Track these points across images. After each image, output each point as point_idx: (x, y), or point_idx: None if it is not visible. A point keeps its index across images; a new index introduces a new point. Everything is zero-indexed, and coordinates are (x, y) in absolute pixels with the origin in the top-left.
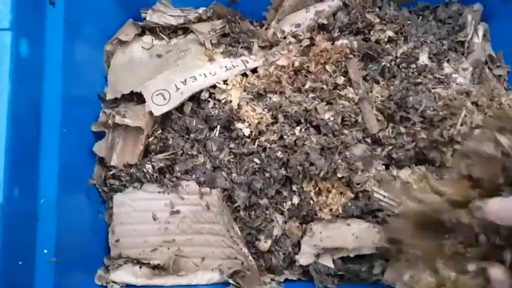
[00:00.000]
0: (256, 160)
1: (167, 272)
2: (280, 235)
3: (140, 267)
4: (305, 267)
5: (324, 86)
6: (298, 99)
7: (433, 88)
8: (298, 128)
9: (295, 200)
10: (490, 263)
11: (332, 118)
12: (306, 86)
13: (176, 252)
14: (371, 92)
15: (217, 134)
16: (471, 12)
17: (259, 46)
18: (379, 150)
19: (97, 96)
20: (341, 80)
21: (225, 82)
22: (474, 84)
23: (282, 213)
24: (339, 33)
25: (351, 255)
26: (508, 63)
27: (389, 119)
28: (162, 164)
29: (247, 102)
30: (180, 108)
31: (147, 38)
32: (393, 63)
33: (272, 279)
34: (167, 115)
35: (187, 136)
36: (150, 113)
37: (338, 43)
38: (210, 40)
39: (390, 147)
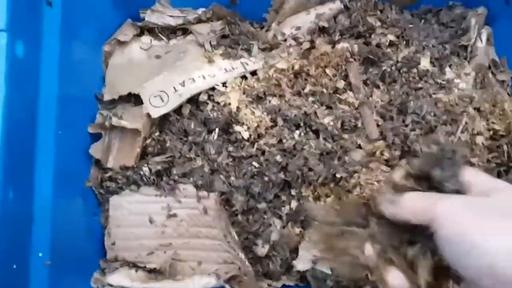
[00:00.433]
0: (254, 163)
1: (164, 276)
2: (278, 240)
3: (136, 270)
4: (303, 272)
5: (324, 90)
6: (297, 103)
7: (434, 94)
8: (297, 132)
9: (294, 204)
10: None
11: (331, 123)
12: (306, 90)
13: (172, 256)
14: (371, 96)
15: (215, 137)
16: (474, 16)
17: (259, 48)
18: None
19: (94, 97)
20: (341, 84)
21: (224, 84)
22: (476, 90)
23: (280, 217)
24: (339, 37)
25: None
26: None
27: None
28: (159, 167)
29: (246, 105)
30: (178, 110)
31: (146, 39)
32: (393, 67)
33: (269, 285)
34: (165, 117)
35: (185, 139)
36: (148, 115)
37: (338, 46)
38: (210, 42)
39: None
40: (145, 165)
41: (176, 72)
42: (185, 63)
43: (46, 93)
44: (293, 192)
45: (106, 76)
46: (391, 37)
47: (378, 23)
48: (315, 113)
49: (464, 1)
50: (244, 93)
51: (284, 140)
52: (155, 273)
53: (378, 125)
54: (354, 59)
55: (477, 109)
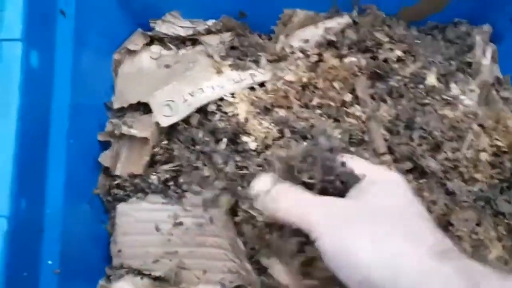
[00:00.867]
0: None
1: (169, 284)
2: None
3: (142, 278)
4: None
5: (332, 103)
6: (305, 115)
7: (440, 110)
8: (305, 143)
9: None
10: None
11: (339, 136)
12: (314, 102)
13: (178, 264)
14: (378, 111)
15: (223, 147)
16: (480, 33)
17: (267, 60)
18: None
19: (104, 105)
20: (348, 97)
21: (232, 95)
22: (480, 106)
23: None
24: (347, 51)
25: None
26: None
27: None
28: (167, 175)
29: (254, 116)
30: (186, 120)
31: (155, 48)
32: (401, 82)
33: None
34: (173, 126)
35: (192, 148)
36: (157, 123)
37: (346, 60)
38: (219, 53)
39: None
40: (153, 173)
41: (185, 82)
42: (194, 73)
43: (59, 102)
44: None
45: (115, 84)
46: (398, 53)
47: (386, 39)
48: None
49: (469, 18)
50: (252, 104)
51: None
52: (160, 281)
53: (385, 140)
54: (362, 73)
55: (481, 126)
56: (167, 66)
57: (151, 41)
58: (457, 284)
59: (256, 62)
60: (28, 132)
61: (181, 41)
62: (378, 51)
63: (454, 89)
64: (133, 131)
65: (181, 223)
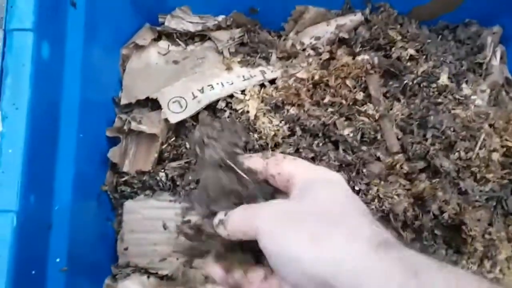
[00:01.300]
0: None
1: (176, 283)
2: None
3: (148, 276)
4: None
5: (344, 101)
6: (316, 113)
7: (453, 109)
8: (316, 142)
9: None
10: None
11: (351, 134)
12: (325, 100)
13: (185, 263)
14: (391, 109)
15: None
16: (490, 34)
17: (277, 57)
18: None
19: (112, 100)
20: (360, 96)
21: (242, 92)
22: (491, 107)
23: None
24: (360, 48)
25: None
26: None
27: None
28: (175, 173)
29: (264, 113)
30: (195, 117)
31: (163, 44)
32: (414, 81)
33: None
34: (181, 123)
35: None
36: (166, 120)
37: (359, 58)
38: (228, 49)
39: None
40: (162, 170)
41: (194, 78)
42: (203, 69)
43: (69, 95)
44: None
45: (123, 79)
46: (411, 51)
47: (399, 37)
48: (334, 124)
49: (479, 19)
50: (262, 101)
51: (301, 150)
52: (167, 280)
53: (398, 139)
54: (375, 71)
55: (492, 126)
56: (176, 62)
57: (159, 36)
58: (397, 273)
59: (266, 59)
60: (38, 125)
61: (189, 37)
62: (391, 50)
63: (465, 89)
64: (142, 127)
65: (189, 221)
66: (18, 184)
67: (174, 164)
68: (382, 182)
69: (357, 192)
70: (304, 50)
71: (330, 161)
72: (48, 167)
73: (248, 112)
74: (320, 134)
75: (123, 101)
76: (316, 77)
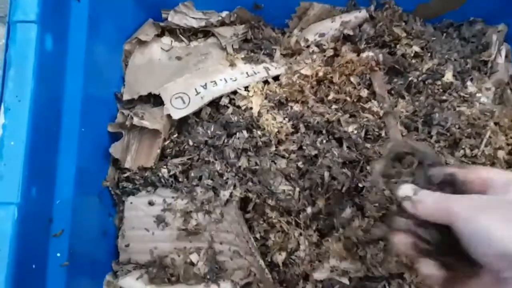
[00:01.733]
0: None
1: (177, 280)
2: (295, 248)
3: (149, 273)
4: (320, 282)
5: (348, 98)
6: (320, 110)
7: (457, 107)
8: (319, 139)
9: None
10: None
11: (355, 131)
12: (329, 97)
13: (186, 260)
14: (395, 106)
15: (236, 141)
16: (495, 33)
17: (281, 54)
18: None
19: (114, 95)
20: (365, 92)
21: (246, 88)
22: (496, 105)
23: (298, 225)
24: (365, 45)
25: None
26: None
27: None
28: (178, 169)
29: (268, 110)
30: (197, 113)
31: (166, 39)
32: (419, 78)
33: None
34: (183, 119)
35: (204, 142)
36: (168, 116)
37: (363, 55)
38: (232, 45)
39: None
40: (164, 166)
41: (197, 74)
42: (207, 65)
43: (71, 88)
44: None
45: (125, 75)
46: (416, 48)
47: (404, 34)
48: (339, 120)
49: (484, 17)
50: (266, 98)
51: (304, 147)
52: (169, 277)
53: (403, 136)
54: (379, 68)
55: (497, 124)
56: (179, 58)
57: (162, 32)
58: None
59: (270, 55)
60: (40, 118)
61: (193, 33)
62: (395, 47)
63: (470, 86)
64: (145, 123)
65: (190, 218)
66: (19, 177)
67: (176, 160)
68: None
69: (361, 190)
70: (308, 46)
71: (333, 158)
72: (49, 160)
73: (251, 108)
74: (324, 131)
75: (126, 97)
76: (320, 74)
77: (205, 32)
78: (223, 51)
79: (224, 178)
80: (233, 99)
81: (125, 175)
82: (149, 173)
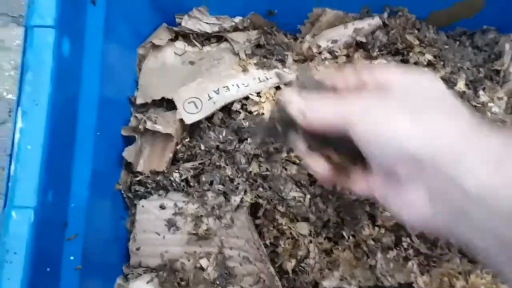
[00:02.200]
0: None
1: (187, 285)
2: (305, 255)
3: (159, 277)
4: None
5: None
6: None
7: None
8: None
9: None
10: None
11: None
12: None
13: (196, 265)
14: None
15: (247, 147)
16: (508, 42)
17: (293, 60)
18: None
19: (127, 99)
20: None
21: (258, 94)
22: (508, 114)
23: (309, 233)
24: (377, 52)
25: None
26: None
27: None
28: (189, 174)
29: None
30: (209, 118)
31: (180, 44)
32: None
33: None
34: (195, 124)
35: (215, 146)
36: (181, 120)
37: (376, 62)
38: (244, 50)
39: None
40: (176, 171)
41: (210, 79)
42: (220, 70)
43: (87, 92)
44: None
45: (139, 79)
46: (429, 57)
47: (417, 42)
48: None
49: (497, 26)
50: None
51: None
52: (179, 281)
53: None
54: None
55: None
56: (192, 63)
57: (176, 36)
58: (496, 151)
59: (282, 61)
60: (57, 122)
61: (206, 38)
62: (408, 54)
63: (482, 96)
64: (158, 127)
65: (201, 223)
66: (36, 181)
67: (188, 165)
68: None
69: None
70: (320, 53)
71: None
72: (65, 164)
73: (263, 114)
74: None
75: (139, 101)
76: None
77: (218, 37)
78: (235, 56)
79: (235, 183)
80: (245, 104)
81: (137, 178)
82: (161, 177)
